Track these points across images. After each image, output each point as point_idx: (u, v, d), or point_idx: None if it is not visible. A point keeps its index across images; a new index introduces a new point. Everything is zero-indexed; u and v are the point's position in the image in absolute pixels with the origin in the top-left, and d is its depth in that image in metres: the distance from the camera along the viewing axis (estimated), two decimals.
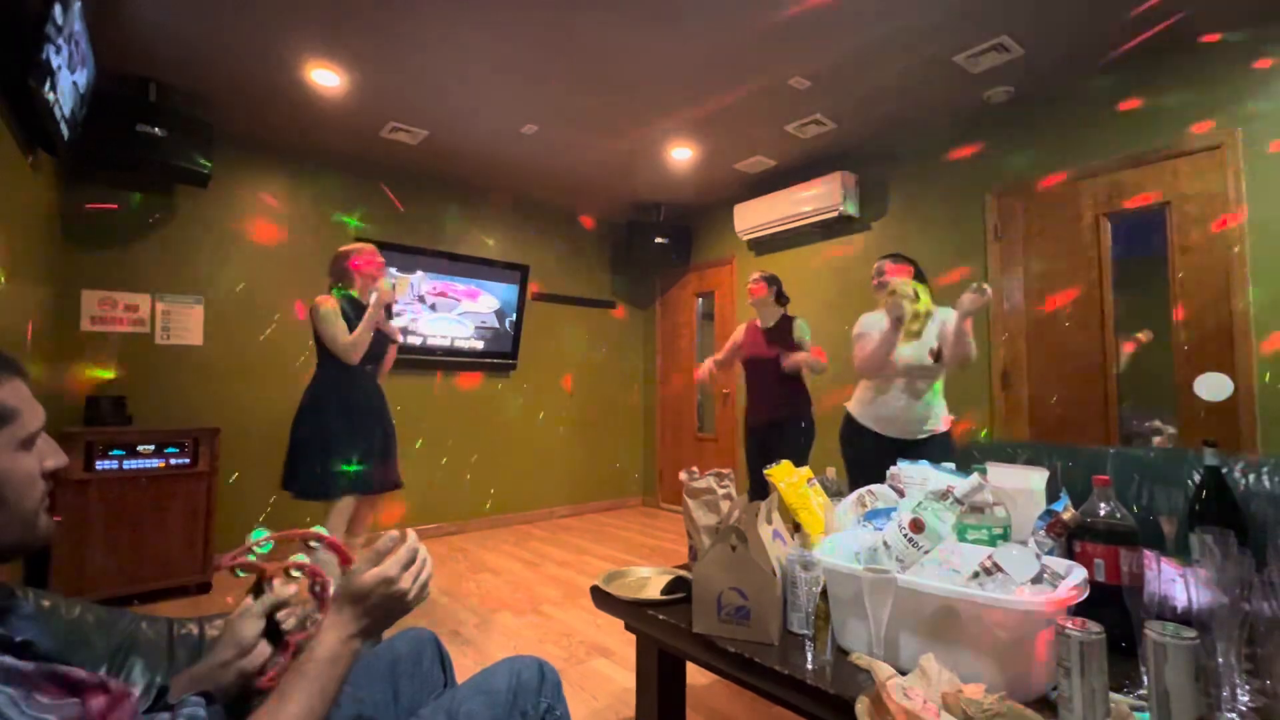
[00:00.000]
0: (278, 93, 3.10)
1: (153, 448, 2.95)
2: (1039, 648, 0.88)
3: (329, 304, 2.35)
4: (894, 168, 3.63)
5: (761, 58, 2.76)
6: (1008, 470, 1.34)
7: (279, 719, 0.62)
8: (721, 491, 1.35)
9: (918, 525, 1.04)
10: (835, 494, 1.47)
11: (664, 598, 1.30)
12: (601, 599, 1.35)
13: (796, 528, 1.30)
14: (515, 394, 4.63)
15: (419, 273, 4.12)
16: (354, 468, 2.40)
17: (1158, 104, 2.63)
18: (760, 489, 1.37)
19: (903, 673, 0.93)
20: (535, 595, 2.95)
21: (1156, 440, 2.60)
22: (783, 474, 1.38)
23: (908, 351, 2.23)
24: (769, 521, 1.22)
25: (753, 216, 4.12)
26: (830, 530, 1.33)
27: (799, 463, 2.73)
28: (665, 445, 5.11)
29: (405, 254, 4.04)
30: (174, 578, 2.91)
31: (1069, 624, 0.82)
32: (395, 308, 2.70)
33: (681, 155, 3.83)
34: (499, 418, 4.54)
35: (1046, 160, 2.99)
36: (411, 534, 0.75)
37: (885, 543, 1.05)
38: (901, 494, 1.35)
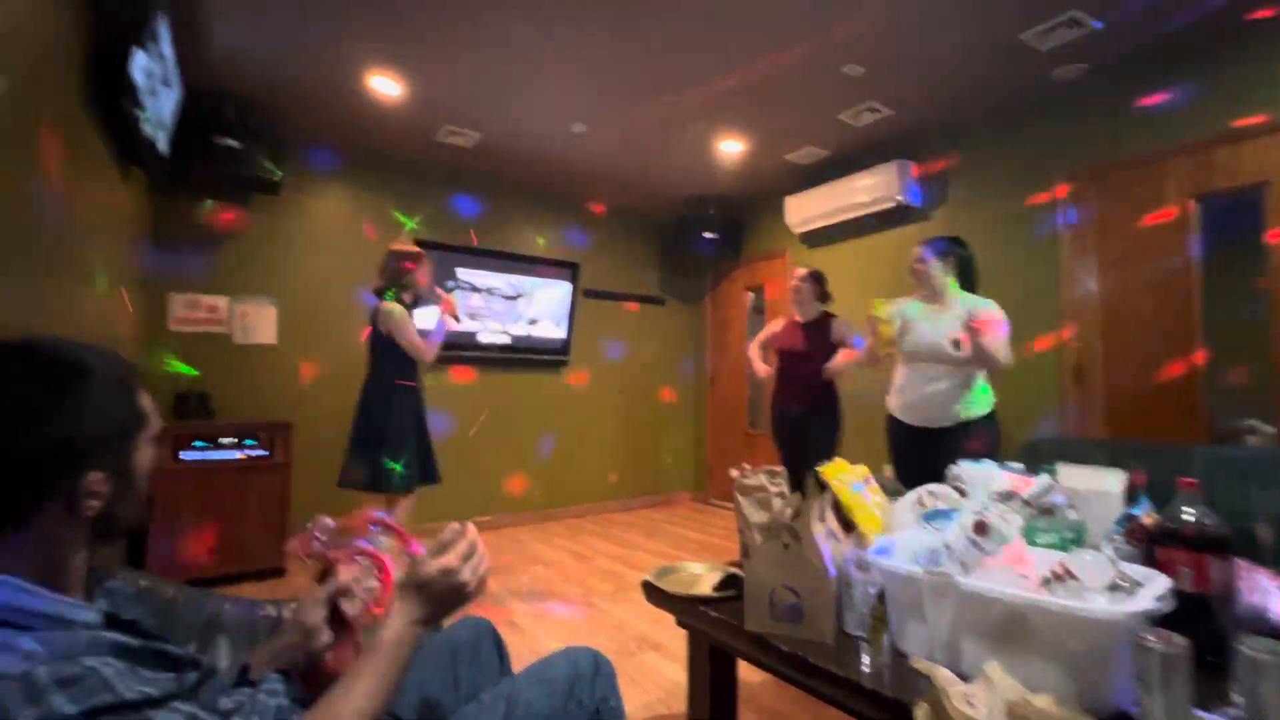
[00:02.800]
0: (341, 102, 3.22)
1: (233, 440, 3.13)
2: (1116, 660, 0.84)
3: (399, 308, 2.46)
4: (955, 154, 3.50)
5: (814, 46, 2.71)
6: (1081, 471, 1.27)
7: (350, 695, 0.66)
8: (774, 489, 1.33)
9: (982, 527, 1.00)
10: (893, 493, 1.43)
11: (716, 594, 1.29)
12: (653, 594, 1.35)
13: (851, 527, 1.27)
14: (567, 389, 4.69)
15: (471, 270, 4.23)
16: (417, 462, 2.54)
17: (1253, 75, 2.43)
18: (792, 478, 1.35)
19: (965, 679, 0.89)
20: (587, 587, 2.98)
21: (1252, 440, 2.45)
22: (836, 470, 1.35)
23: (924, 338, 2.20)
24: (822, 520, 1.19)
25: (805, 209, 4.07)
26: (887, 530, 1.29)
27: (826, 455, 2.68)
28: (716, 441, 5.10)
29: (460, 253, 4.14)
30: (252, 562, 3.08)
31: (1150, 635, 0.77)
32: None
33: (731, 148, 3.80)
34: (551, 413, 4.60)
35: (1123, 141, 2.82)
36: (471, 528, 0.77)
37: (947, 545, 1.02)
38: (964, 494, 1.30)
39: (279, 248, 3.69)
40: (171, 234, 3.35)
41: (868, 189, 3.68)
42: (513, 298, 4.35)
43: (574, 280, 4.60)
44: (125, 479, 0.63)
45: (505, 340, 4.33)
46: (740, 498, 1.37)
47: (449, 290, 2.65)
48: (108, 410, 0.62)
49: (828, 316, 2.91)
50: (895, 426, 2.33)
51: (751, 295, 4.94)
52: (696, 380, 5.34)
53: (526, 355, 4.44)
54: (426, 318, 3.20)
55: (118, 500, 0.62)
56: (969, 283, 2.31)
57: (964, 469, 1.38)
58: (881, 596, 1.04)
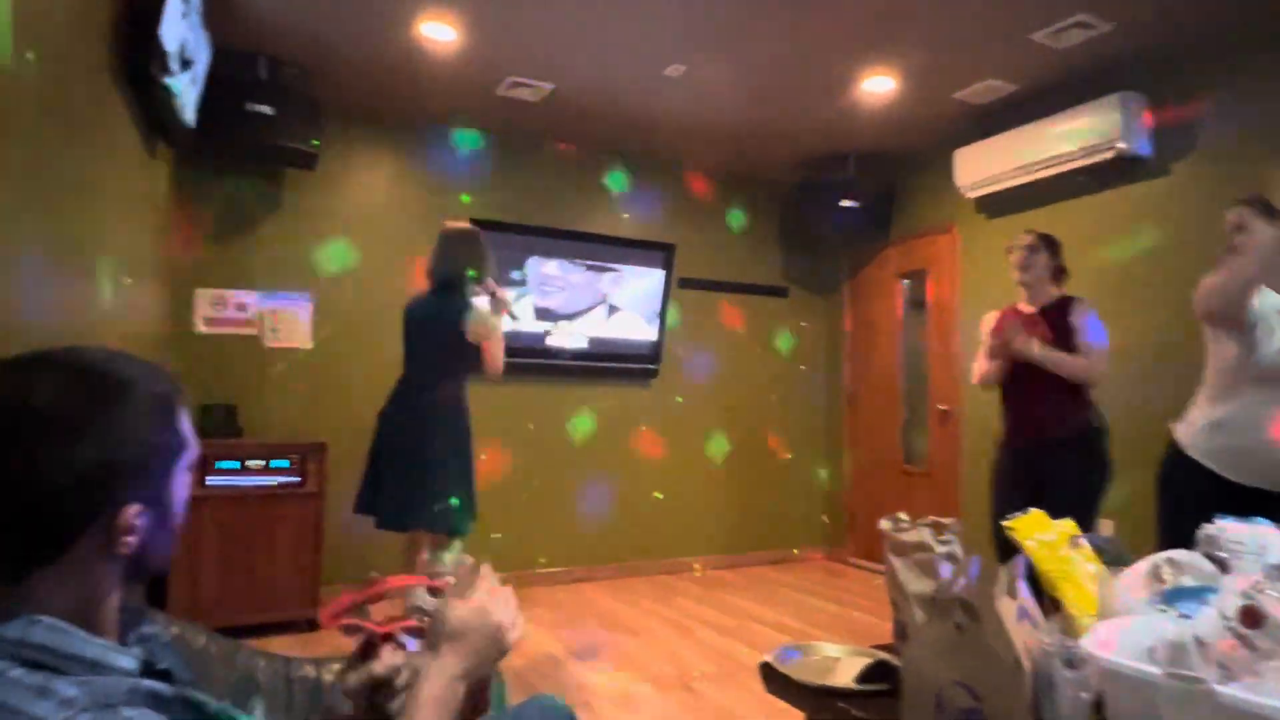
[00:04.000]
0: (387, 55, 3.43)
1: (262, 463, 3.39)
2: None
3: (485, 305, 2.69)
4: (1208, 80, 3.27)
5: None
6: None
7: None
8: (941, 549, 1.29)
9: (1254, 616, 0.92)
10: (1115, 561, 1.35)
11: (860, 687, 1.27)
12: (775, 681, 1.35)
13: (1055, 605, 1.22)
14: (657, 409, 4.78)
15: (542, 258, 4.40)
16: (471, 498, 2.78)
17: None
18: (1008, 544, 1.30)
19: None
20: (684, 666, 3.03)
21: None
22: (1033, 528, 1.29)
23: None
24: (1012, 594, 1.14)
25: (983, 164, 4.00)
26: (1107, 613, 1.22)
27: (1087, 506, 2.47)
28: (858, 480, 5.11)
29: (528, 235, 4.30)
30: (282, 610, 3.35)
31: None
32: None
33: (878, 87, 3.79)
34: (636, 438, 4.70)
35: None
36: (485, 564, 0.83)
37: (1198, 638, 0.95)
38: (1224, 566, 1.20)
39: (315, 232, 4.01)
40: (197, 219, 3.73)
41: (1075, 134, 3.58)
42: (588, 290, 4.50)
43: (667, 267, 4.69)
44: (163, 512, 0.70)
45: (580, 345, 4.50)
46: (894, 558, 1.34)
47: (500, 284, 2.82)
48: (151, 434, 0.69)
49: (1066, 300, 2.72)
50: (1191, 474, 2.08)
51: (906, 284, 4.90)
52: (830, 397, 5.36)
53: (604, 363, 4.56)
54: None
55: (154, 536, 0.68)
56: None
57: (1227, 527, 1.27)
58: (1099, 705, 0.99)
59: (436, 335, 2.78)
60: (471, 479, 2.78)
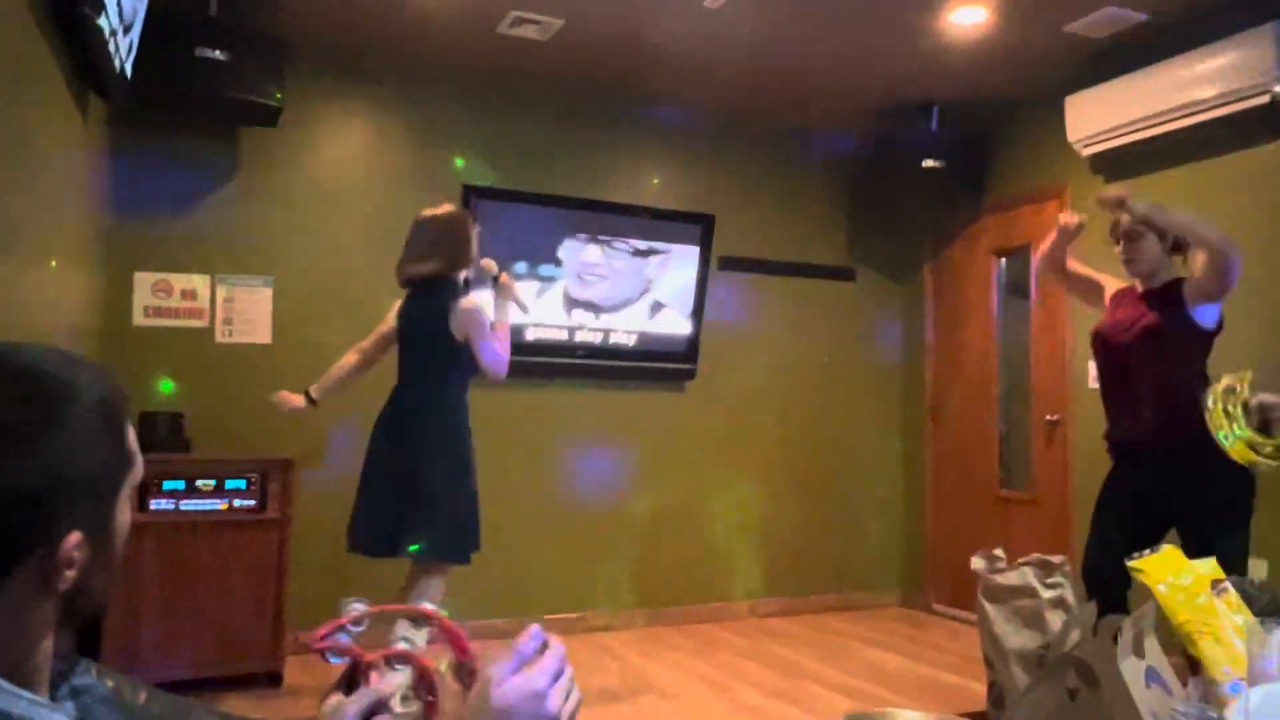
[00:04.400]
0: None
1: (214, 483, 3.42)
2: None
3: (481, 305, 2.81)
4: None
5: None
6: None
7: None
8: (1049, 594, 1.28)
9: None
10: (1268, 611, 1.32)
11: None
12: None
13: (1193, 666, 1.21)
14: (693, 419, 4.76)
15: (552, 235, 4.42)
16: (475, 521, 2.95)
17: None
18: (1111, 586, 1.28)
19: None
20: None
21: None
22: (1165, 569, 1.28)
23: None
24: (1138, 653, 1.13)
25: (1101, 113, 3.98)
26: (1258, 676, 1.19)
27: (1230, 541, 2.43)
28: (943, 508, 5.09)
29: (529, 204, 4.32)
30: (239, 661, 3.39)
31: None
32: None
33: (968, 18, 3.78)
34: (668, 453, 4.67)
35: None
36: (557, 641, 0.83)
37: None
38: None
39: (279, 203, 4.03)
40: (136, 189, 3.78)
41: (1216, 75, 3.54)
42: (607, 273, 4.51)
43: (705, 244, 4.68)
44: (105, 541, 0.70)
45: (592, 341, 4.52)
46: (988, 606, 1.33)
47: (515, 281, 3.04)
48: (96, 449, 0.68)
49: (1179, 283, 2.73)
50: None
51: (1004, 264, 4.88)
52: (907, 406, 5.33)
53: (626, 364, 4.56)
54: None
55: (94, 570, 0.68)
56: None
57: None
58: None
59: (420, 337, 2.93)
60: (471, 500, 2.88)
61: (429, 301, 2.93)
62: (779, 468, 4.98)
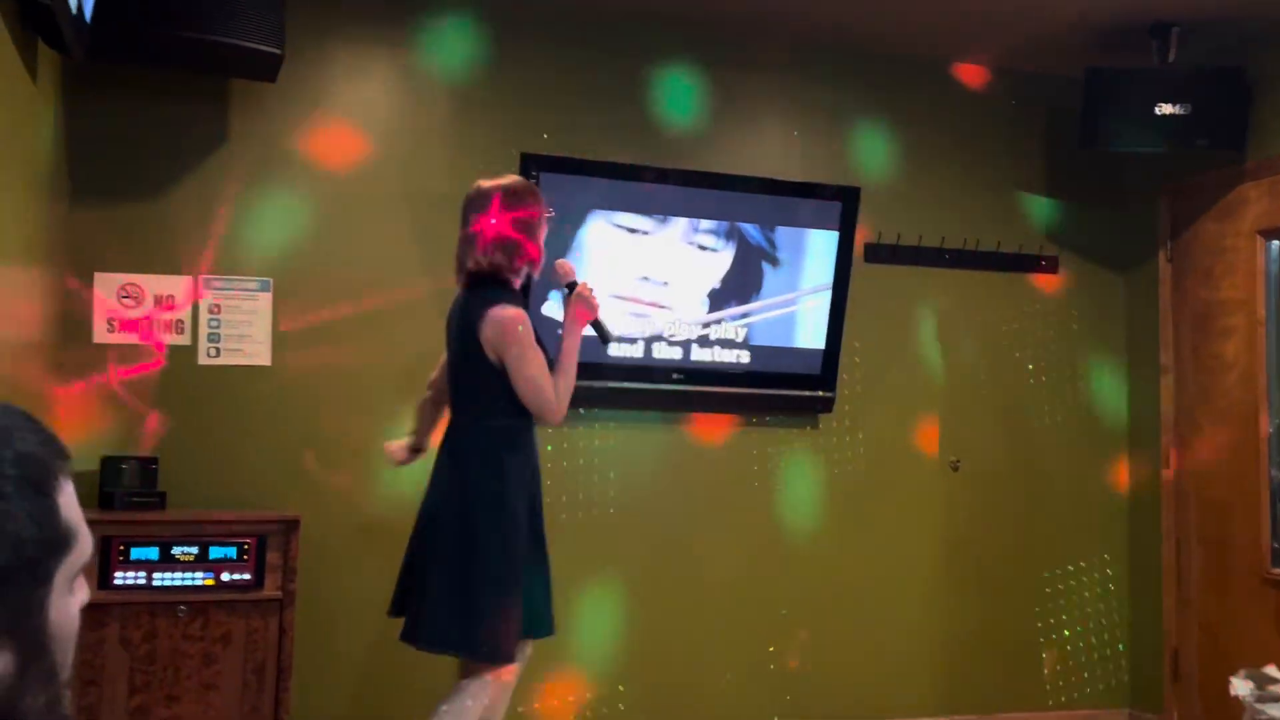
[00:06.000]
0: None
1: (195, 550, 3.29)
2: None
3: (523, 316, 2.81)
4: None
5: None
6: None
7: None
8: None
9: None
10: None
11: None
12: None
13: None
14: (830, 469, 4.54)
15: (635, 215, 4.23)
16: (545, 594, 3.00)
17: None
18: None
19: None
20: None
21: None
22: None
23: None
24: None
25: None
26: None
27: None
28: (1190, 596, 4.77)
29: (606, 178, 4.13)
30: None
31: None
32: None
33: None
34: (795, 521, 4.46)
35: None
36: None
37: None
38: None
39: (278, 182, 3.80)
40: (97, 167, 3.64)
41: None
42: (703, 267, 4.36)
43: (845, 227, 4.40)
44: (35, 648, 0.68)
45: (686, 358, 4.34)
46: None
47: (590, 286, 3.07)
48: (14, 527, 0.67)
49: None
50: None
51: (1273, 247, 4.51)
52: (1134, 449, 5.02)
53: (733, 389, 4.38)
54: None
55: (26, 686, 0.67)
56: None
57: None
58: None
59: (457, 353, 2.93)
60: (510, 574, 2.86)
61: (469, 308, 2.88)
62: (955, 539, 4.72)
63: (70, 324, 3.57)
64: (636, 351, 4.27)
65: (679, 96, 4.43)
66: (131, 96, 3.70)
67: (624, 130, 4.28)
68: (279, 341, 3.79)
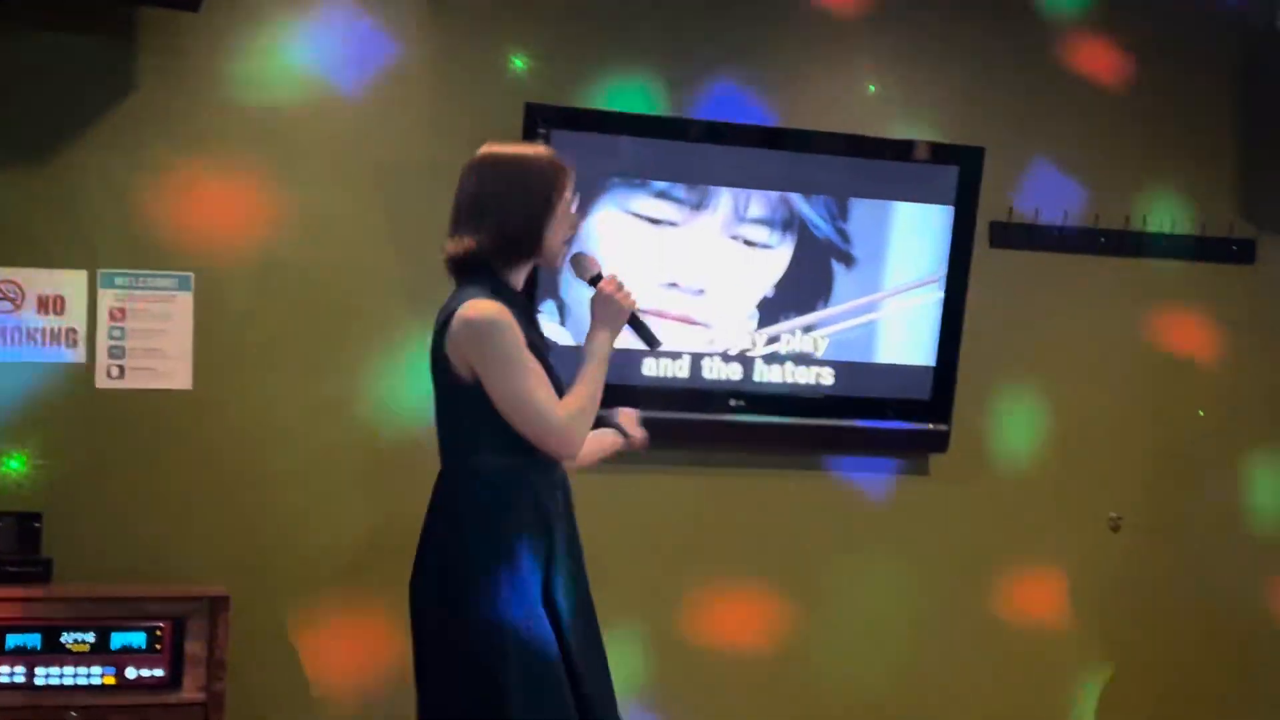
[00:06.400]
0: None
1: (91, 637, 3.01)
2: None
3: (503, 315, 2.41)
4: None
5: None
6: None
7: None
8: None
9: None
10: None
11: None
12: None
13: None
14: (947, 524, 4.13)
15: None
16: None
17: None
18: None
19: None
20: None
21: None
22: None
23: None
24: None
25: None
26: None
27: None
28: None
29: (634, 135, 3.83)
30: None
31: None
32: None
33: None
34: (903, 583, 4.12)
35: None
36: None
37: None
38: None
39: (202, 146, 3.48)
40: None
41: None
42: (779, 258, 4.02)
43: (963, 202, 4.01)
44: None
45: (749, 377, 4.00)
46: None
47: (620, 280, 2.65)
48: None
49: None
50: None
51: None
52: None
53: (814, 419, 4.03)
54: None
55: None
56: None
57: None
58: None
59: (431, 363, 2.55)
60: (490, 634, 2.32)
61: (448, 306, 2.51)
62: (1125, 608, 4.27)
63: None
64: (684, 370, 3.90)
65: (735, 36, 4.05)
66: (15, 31, 3.36)
67: (658, 75, 3.96)
68: (203, 358, 3.43)
